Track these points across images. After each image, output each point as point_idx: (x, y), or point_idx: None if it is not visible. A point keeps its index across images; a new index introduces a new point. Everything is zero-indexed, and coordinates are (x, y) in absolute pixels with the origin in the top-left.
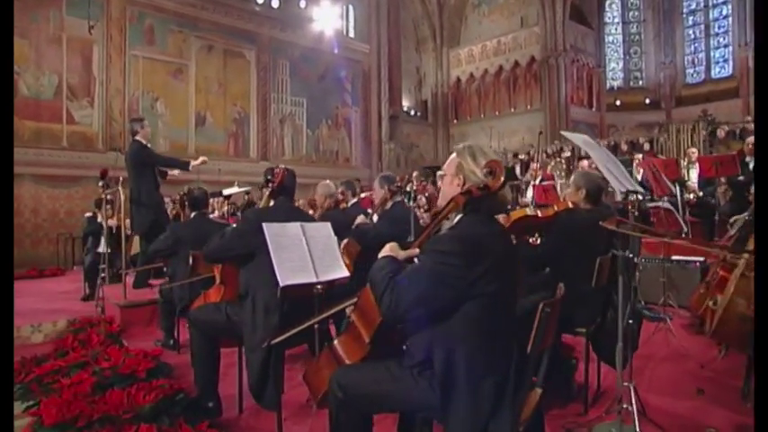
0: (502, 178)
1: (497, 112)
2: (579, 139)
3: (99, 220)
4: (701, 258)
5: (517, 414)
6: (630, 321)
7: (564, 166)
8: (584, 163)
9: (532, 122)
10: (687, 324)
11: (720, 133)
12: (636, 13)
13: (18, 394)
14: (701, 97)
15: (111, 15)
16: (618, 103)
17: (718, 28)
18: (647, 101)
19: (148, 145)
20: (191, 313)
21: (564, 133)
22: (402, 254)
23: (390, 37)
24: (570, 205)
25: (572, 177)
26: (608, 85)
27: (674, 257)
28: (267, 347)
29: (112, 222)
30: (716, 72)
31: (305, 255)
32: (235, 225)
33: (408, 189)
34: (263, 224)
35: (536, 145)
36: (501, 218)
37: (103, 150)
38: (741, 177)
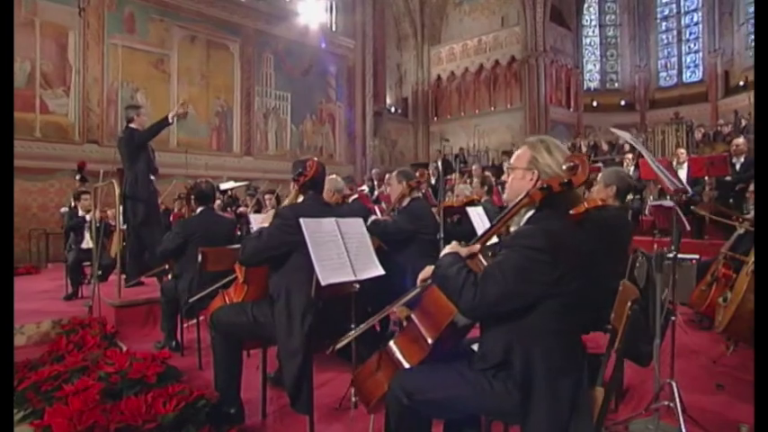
0: (586, 173)
1: (477, 111)
2: (627, 135)
3: (80, 213)
4: (697, 256)
5: (599, 415)
6: (673, 318)
7: None
8: None
9: (512, 121)
10: (687, 320)
11: (698, 135)
12: (612, 17)
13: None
14: (673, 100)
15: (89, 1)
16: (595, 104)
17: (690, 34)
18: (623, 102)
19: (139, 129)
20: (213, 314)
21: (613, 130)
22: (464, 251)
23: (375, 33)
24: (599, 202)
25: (600, 174)
26: (585, 86)
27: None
28: (304, 353)
29: (93, 215)
30: (687, 76)
31: (342, 252)
32: (267, 225)
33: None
34: (301, 219)
35: (517, 144)
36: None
37: (80, 142)
38: (728, 178)
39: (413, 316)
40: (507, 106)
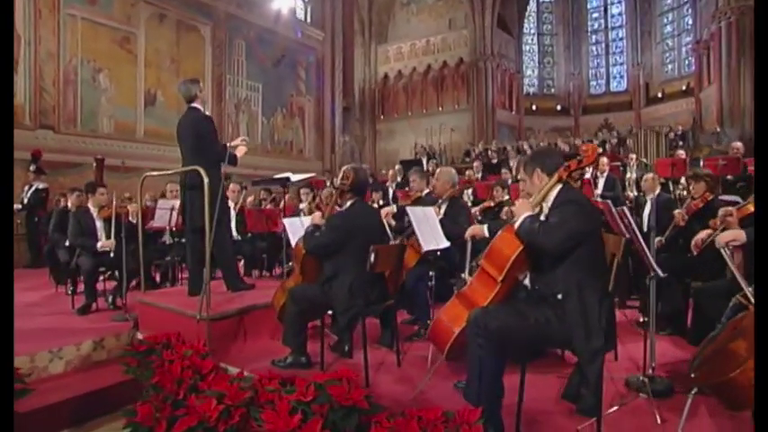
0: None
1: (425, 110)
2: None
3: (91, 210)
4: None
5: None
6: None
7: None
8: (604, 159)
9: (460, 122)
10: None
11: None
12: (549, 27)
13: None
14: (602, 107)
15: None
16: (534, 107)
17: (616, 48)
18: (559, 107)
19: (207, 113)
20: (479, 319)
21: None
22: None
23: (345, 25)
24: None
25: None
26: (524, 90)
27: None
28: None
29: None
30: (614, 86)
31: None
32: (559, 211)
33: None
34: (623, 208)
35: (466, 144)
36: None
37: (32, 127)
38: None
39: None
40: (455, 107)
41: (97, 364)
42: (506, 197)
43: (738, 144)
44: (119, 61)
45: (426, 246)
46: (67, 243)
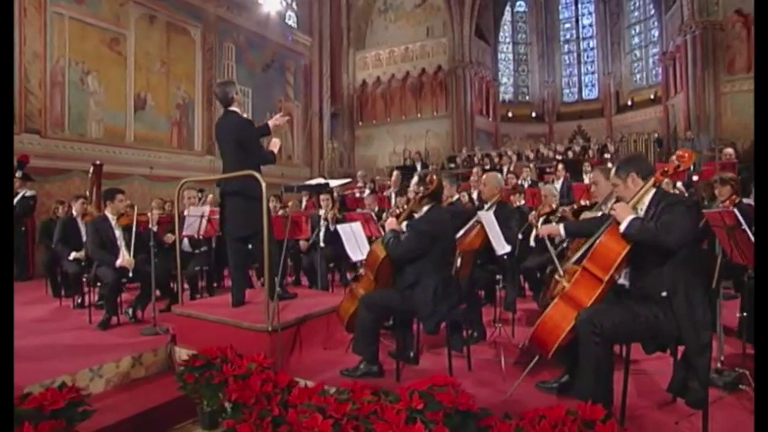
0: None
1: (404, 117)
2: None
3: (110, 218)
4: None
5: None
6: None
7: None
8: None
9: (439, 128)
10: None
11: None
12: (523, 36)
13: None
14: (575, 114)
15: None
16: (510, 114)
17: (587, 57)
18: (533, 114)
19: (245, 115)
20: (591, 318)
21: None
22: None
23: (332, 31)
24: None
25: None
26: (500, 98)
27: None
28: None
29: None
30: (586, 94)
31: None
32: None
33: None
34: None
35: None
36: None
37: (17, 131)
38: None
39: None
40: (433, 114)
41: (135, 382)
42: (522, 202)
43: (730, 150)
44: (108, 63)
45: (499, 250)
46: (72, 256)
